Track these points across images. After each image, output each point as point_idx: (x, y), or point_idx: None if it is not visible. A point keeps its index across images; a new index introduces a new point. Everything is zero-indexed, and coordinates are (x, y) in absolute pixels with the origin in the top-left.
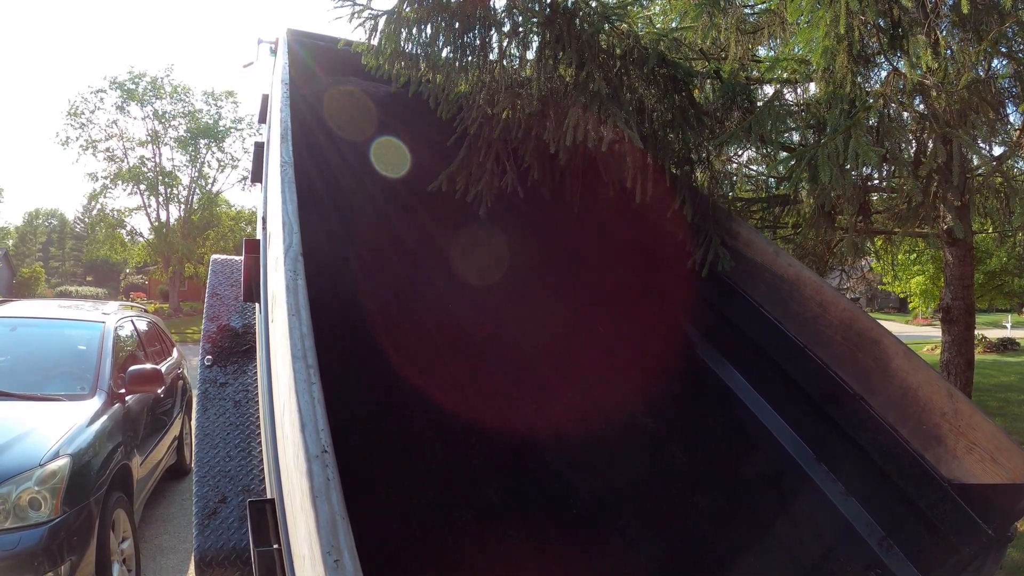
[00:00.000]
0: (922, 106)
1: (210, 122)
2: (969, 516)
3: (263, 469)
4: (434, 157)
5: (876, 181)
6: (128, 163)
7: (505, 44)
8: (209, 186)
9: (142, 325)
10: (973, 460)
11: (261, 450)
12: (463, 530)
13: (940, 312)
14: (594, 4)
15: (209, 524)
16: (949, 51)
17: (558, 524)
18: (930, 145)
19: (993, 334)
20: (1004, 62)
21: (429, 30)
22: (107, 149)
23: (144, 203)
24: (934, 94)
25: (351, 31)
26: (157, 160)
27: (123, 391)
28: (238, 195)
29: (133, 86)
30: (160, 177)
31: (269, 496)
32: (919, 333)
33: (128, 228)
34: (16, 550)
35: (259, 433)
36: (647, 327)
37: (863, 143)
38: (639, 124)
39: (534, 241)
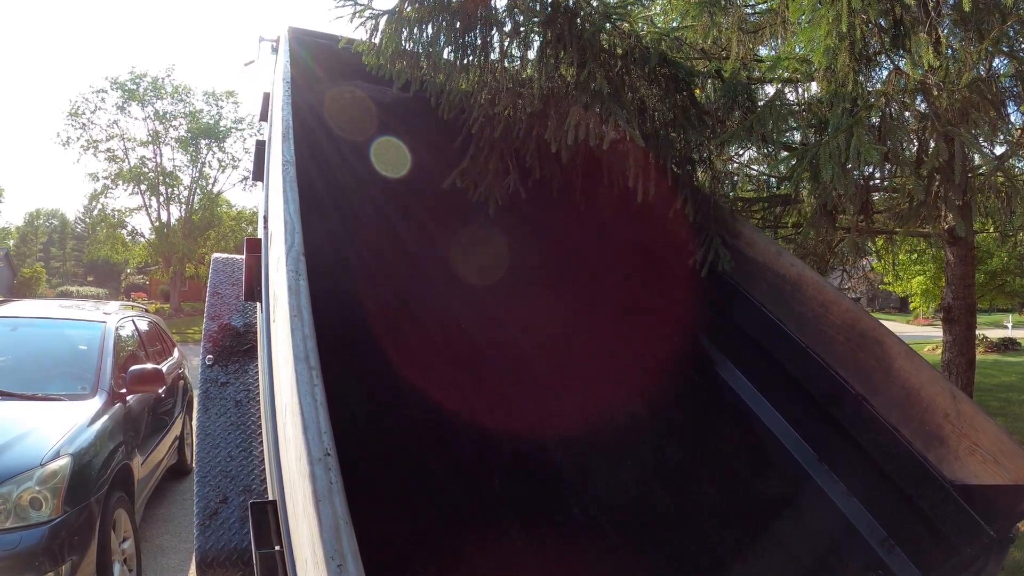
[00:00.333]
0: (924, 105)
1: (211, 122)
2: (971, 517)
3: (264, 469)
4: (435, 158)
5: (877, 180)
6: (129, 163)
7: (506, 44)
8: (210, 186)
9: (143, 325)
10: (976, 461)
11: (262, 450)
12: (463, 530)
13: (941, 312)
14: (595, 3)
15: (210, 524)
16: (950, 50)
17: (558, 524)
18: (932, 144)
19: (994, 334)
20: (1005, 61)
21: (430, 30)
22: (108, 149)
23: (145, 203)
24: (935, 93)
25: (352, 30)
26: (158, 160)
27: (124, 391)
28: (239, 195)
29: (134, 86)
30: (161, 177)
31: (270, 497)
32: (920, 333)
33: (129, 228)
34: (17, 550)
35: (260, 433)
36: (647, 327)
37: (865, 141)
38: (640, 123)
39: (535, 241)
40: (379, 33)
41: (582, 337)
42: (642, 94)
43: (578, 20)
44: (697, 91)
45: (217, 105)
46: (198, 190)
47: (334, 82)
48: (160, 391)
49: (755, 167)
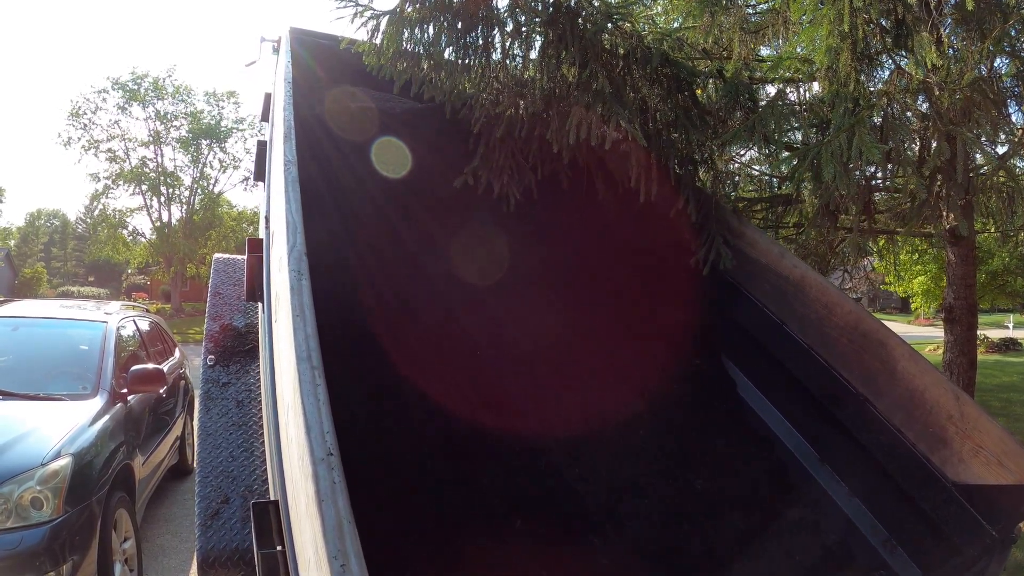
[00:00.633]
0: (925, 105)
1: (212, 122)
2: (973, 517)
3: (266, 469)
4: (437, 159)
5: (879, 180)
6: (130, 163)
7: (508, 44)
8: (211, 187)
9: (144, 325)
10: (979, 463)
11: (264, 450)
12: (463, 530)
13: (942, 312)
14: (597, 3)
15: (212, 525)
16: (952, 50)
17: (559, 524)
18: (934, 143)
19: (995, 334)
20: (1007, 61)
21: (431, 30)
22: (109, 150)
23: (146, 203)
24: (937, 92)
25: (354, 31)
26: (159, 160)
27: (125, 391)
28: (240, 195)
29: (135, 86)
30: (162, 178)
31: (272, 497)
32: (921, 333)
33: (130, 228)
34: (18, 550)
35: (262, 433)
36: (648, 326)
37: (867, 140)
38: (642, 123)
39: (536, 241)
40: (380, 34)
41: (583, 337)
42: (644, 94)
43: (580, 20)
44: (699, 91)
45: (218, 105)
46: (199, 190)
47: (335, 82)
48: (161, 391)
49: (756, 167)
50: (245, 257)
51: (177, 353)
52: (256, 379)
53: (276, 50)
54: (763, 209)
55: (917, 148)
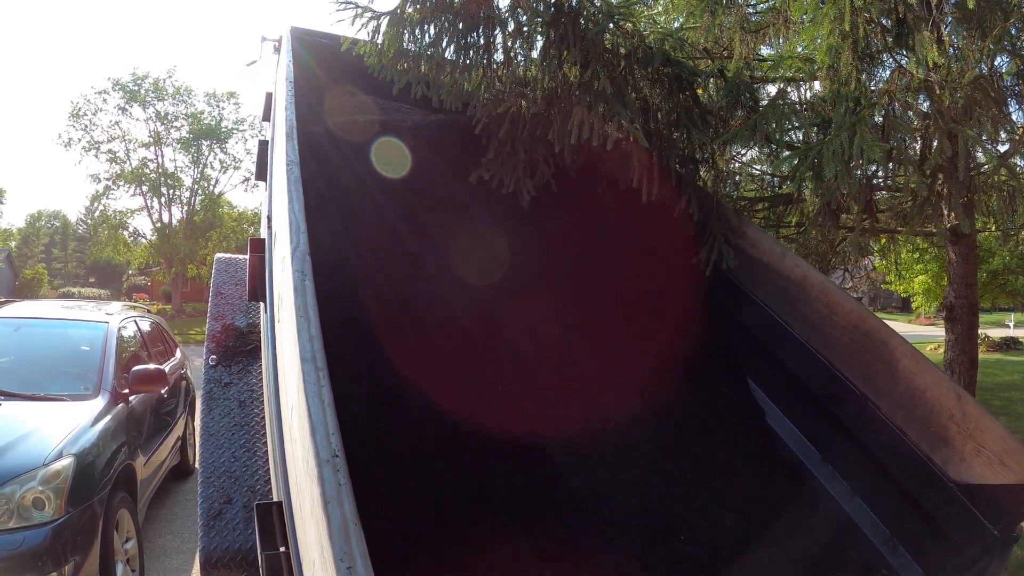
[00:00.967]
0: (926, 103)
1: (212, 123)
2: (975, 517)
3: (268, 470)
4: (436, 159)
5: (880, 179)
6: (130, 164)
7: (509, 44)
8: (211, 187)
9: (145, 326)
10: (981, 463)
11: (266, 451)
12: (464, 530)
13: (943, 311)
14: (598, 3)
15: (214, 525)
16: (953, 48)
17: (560, 524)
18: (935, 142)
19: (996, 333)
20: (1007, 59)
21: (432, 30)
22: (109, 150)
23: (146, 204)
24: (938, 91)
25: (355, 32)
26: (159, 161)
27: (126, 391)
28: (240, 196)
29: (136, 87)
30: (162, 178)
31: (275, 498)
32: (922, 332)
33: (131, 229)
34: (20, 550)
35: (264, 434)
36: (649, 326)
37: (868, 139)
38: (644, 123)
39: (537, 241)
40: (381, 34)
41: (583, 336)
42: (645, 94)
43: (581, 20)
44: (700, 91)
45: (218, 106)
46: (199, 191)
47: (335, 82)
48: (162, 391)
49: (757, 167)
50: (247, 257)
51: (178, 353)
52: (258, 379)
53: (277, 50)
54: (764, 209)
55: (918, 147)
